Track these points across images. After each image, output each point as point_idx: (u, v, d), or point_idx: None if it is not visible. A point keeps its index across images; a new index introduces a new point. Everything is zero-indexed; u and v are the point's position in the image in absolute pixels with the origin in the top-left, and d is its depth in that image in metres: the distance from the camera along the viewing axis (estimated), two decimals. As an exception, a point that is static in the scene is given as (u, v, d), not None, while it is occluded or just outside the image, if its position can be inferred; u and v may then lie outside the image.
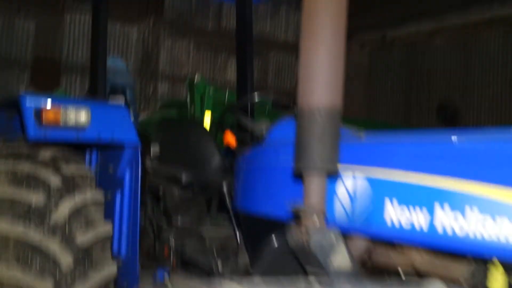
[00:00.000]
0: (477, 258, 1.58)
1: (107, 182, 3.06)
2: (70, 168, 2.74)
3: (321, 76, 1.73)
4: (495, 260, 1.52)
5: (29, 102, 2.63)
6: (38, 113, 2.59)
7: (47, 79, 11.90)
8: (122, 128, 2.84)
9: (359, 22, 12.71)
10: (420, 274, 1.81)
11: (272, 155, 2.34)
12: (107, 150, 3.13)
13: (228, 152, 3.55)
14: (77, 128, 2.70)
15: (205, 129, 3.80)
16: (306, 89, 1.74)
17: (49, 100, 2.66)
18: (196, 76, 6.75)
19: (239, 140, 3.36)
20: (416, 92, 13.97)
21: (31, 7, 12.42)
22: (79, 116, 2.70)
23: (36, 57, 12.55)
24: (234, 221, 2.99)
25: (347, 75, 2.03)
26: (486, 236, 1.48)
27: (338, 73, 1.75)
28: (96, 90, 3.36)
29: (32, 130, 2.58)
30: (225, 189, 3.00)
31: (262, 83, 15.19)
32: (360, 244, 1.93)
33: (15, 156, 2.67)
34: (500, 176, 1.50)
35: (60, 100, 2.75)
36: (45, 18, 12.58)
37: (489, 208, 1.49)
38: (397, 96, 14.51)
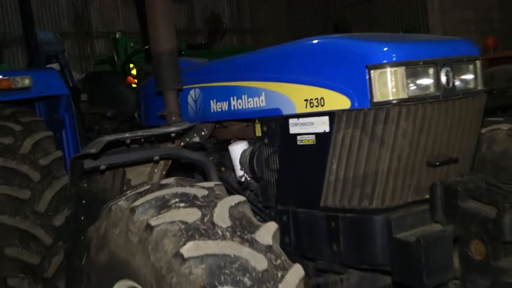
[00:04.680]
0: (250, 118, 2.93)
1: (53, 125, 4.35)
2: (25, 118, 4.00)
3: (160, 27, 2.98)
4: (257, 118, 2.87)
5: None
6: None
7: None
8: (56, 84, 4.12)
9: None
10: (238, 138, 3.17)
11: (152, 85, 3.66)
12: (49, 102, 4.40)
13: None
14: (24, 90, 3.97)
15: (122, 77, 5.05)
16: (153, 39, 3.02)
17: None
18: (117, 34, 7.88)
19: (139, 79, 4.65)
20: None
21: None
22: (24, 81, 3.96)
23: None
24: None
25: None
26: (250, 107, 2.83)
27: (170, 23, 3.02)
28: (33, 61, 4.63)
29: None
30: (136, 114, 4.32)
31: (191, 27, 16.35)
32: (205, 128, 3.27)
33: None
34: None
35: (9, 73, 4.00)
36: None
37: (250, 93, 2.83)
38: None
